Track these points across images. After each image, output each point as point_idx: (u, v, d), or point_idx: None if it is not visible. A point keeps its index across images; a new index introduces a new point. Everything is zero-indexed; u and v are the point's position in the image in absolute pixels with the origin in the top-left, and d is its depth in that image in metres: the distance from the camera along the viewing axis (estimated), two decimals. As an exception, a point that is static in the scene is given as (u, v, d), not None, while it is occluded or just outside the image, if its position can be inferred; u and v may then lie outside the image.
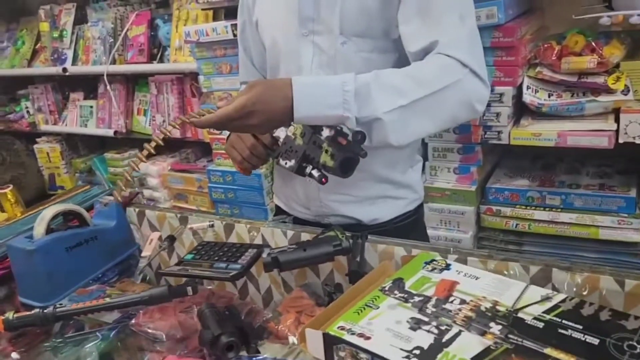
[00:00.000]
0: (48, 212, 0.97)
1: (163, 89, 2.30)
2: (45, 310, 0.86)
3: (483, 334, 0.63)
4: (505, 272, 0.81)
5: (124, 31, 2.30)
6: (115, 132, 2.45)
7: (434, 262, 0.79)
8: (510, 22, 1.40)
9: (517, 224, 1.62)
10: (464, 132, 1.61)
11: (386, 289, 0.74)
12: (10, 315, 0.86)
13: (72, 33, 2.50)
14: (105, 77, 2.34)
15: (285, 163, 0.92)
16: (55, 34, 2.54)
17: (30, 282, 0.94)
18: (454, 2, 0.90)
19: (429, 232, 1.43)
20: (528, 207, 1.59)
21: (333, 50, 0.97)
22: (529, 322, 0.64)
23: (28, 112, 2.79)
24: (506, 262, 0.83)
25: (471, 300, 0.69)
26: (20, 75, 2.69)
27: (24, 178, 2.81)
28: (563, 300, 0.67)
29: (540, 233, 1.58)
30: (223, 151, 2.06)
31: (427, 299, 0.71)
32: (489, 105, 1.48)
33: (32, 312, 0.87)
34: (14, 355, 0.86)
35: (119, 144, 2.61)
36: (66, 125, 2.68)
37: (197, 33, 1.88)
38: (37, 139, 2.80)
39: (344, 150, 0.84)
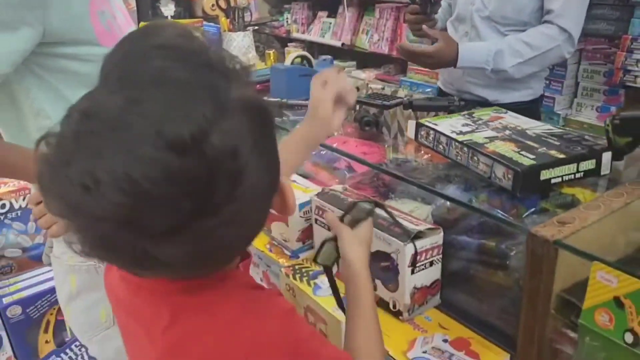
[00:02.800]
0: (293, 54, 1.69)
1: (384, 14, 2.93)
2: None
3: (499, 132, 1.12)
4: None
5: (368, -35, 2.97)
6: (343, 44, 3.19)
7: (501, 110, 1.28)
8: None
9: None
10: (610, 76, 1.89)
11: (461, 114, 1.26)
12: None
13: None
14: (345, 2, 3.06)
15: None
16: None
17: (279, 88, 1.67)
18: None
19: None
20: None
21: None
22: (529, 133, 1.11)
23: (287, 22, 3.71)
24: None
25: (505, 123, 1.18)
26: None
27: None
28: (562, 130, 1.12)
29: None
30: (416, 67, 2.64)
31: (480, 119, 1.21)
32: (631, 52, 1.75)
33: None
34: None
35: (343, 55, 3.36)
36: (310, 35, 3.52)
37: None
38: (288, 43, 3.72)
39: None
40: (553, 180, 0.93)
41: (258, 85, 1.85)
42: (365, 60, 3.28)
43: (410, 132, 1.27)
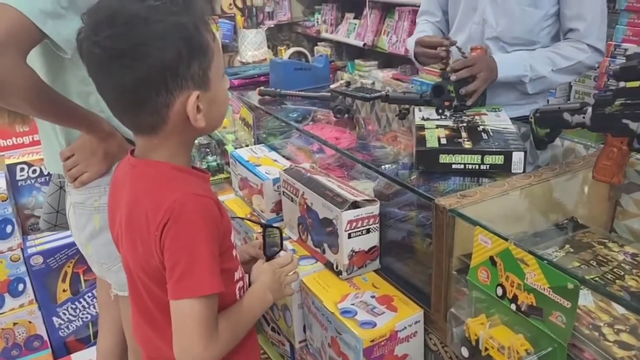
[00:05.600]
0: (290, 50, 1.87)
1: (402, 17, 3.06)
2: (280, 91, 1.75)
3: (455, 123, 1.24)
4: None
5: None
6: (364, 45, 3.34)
7: (498, 109, 1.36)
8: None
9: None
10: (598, 80, 1.97)
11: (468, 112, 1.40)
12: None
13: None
14: (367, 3, 3.21)
15: None
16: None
17: (277, 80, 1.85)
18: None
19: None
20: None
21: None
22: (478, 128, 1.21)
23: (317, 22, 3.90)
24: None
25: (474, 118, 1.29)
26: (320, -4, 3.80)
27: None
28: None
29: None
30: (427, 68, 2.76)
31: (464, 113, 1.33)
32: (614, 57, 1.83)
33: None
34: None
35: (368, 55, 3.51)
36: (337, 34, 3.69)
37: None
38: (318, 43, 3.90)
39: None
40: (454, 166, 1.07)
41: (262, 77, 2.04)
42: (389, 60, 3.42)
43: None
